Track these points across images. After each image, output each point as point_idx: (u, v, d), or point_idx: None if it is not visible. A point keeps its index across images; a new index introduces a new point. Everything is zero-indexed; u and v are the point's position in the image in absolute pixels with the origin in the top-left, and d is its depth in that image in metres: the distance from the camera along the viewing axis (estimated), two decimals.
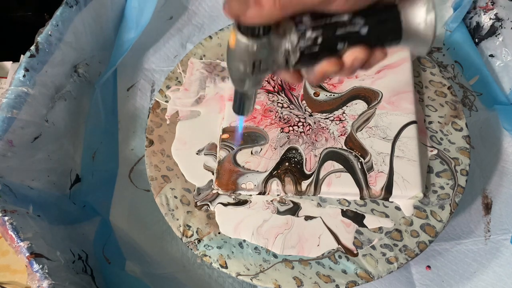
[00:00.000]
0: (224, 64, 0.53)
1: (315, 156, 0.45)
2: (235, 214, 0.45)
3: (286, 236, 0.43)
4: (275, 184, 0.44)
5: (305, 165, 0.44)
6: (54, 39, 0.49)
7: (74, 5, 0.52)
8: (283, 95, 0.48)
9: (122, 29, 0.59)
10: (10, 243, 0.41)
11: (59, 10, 0.50)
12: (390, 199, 0.44)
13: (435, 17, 0.29)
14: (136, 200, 0.54)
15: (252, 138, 0.46)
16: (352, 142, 0.45)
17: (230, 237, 0.44)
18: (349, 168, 0.44)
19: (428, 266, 0.49)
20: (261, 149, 0.45)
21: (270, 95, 0.48)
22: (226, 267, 0.43)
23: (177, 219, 0.45)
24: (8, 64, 0.59)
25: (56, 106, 0.51)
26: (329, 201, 0.44)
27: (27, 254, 0.40)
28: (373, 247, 0.42)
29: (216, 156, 0.47)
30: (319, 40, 0.28)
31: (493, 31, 0.56)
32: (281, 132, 0.46)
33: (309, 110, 0.47)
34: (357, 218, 0.44)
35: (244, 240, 0.44)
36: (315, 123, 0.46)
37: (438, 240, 0.49)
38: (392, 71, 0.48)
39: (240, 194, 0.45)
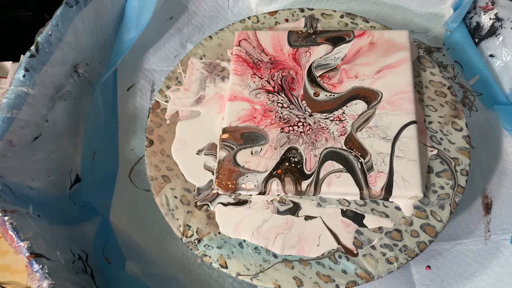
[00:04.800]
0: (224, 64, 0.53)
1: (315, 156, 0.45)
2: (235, 214, 0.45)
3: (286, 236, 0.43)
4: (275, 184, 0.44)
5: (305, 165, 0.44)
6: (54, 39, 0.49)
7: (74, 5, 0.52)
8: (283, 95, 0.48)
9: (122, 29, 0.59)
10: (10, 243, 0.41)
11: (59, 10, 0.50)
12: (390, 199, 0.44)
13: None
14: (136, 200, 0.54)
15: (252, 138, 0.46)
16: (352, 142, 0.45)
17: (230, 237, 0.44)
18: (349, 168, 0.44)
19: (428, 266, 0.49)
20: (261, 149, 0.45)
21: (270, 95, 0.48)
22: (226, 267, 0.43)
23: (177, 219, 0.45)
24: (8, 64, 0.59)
25: (56, 106, 0.51)
26: (329, 201, 0.45)
27: (27, 254, 0.40)
28: (373, 247, 0.42)
29: (216, 156, 0.47)
30: None
31: (493, 31, 0.56)
32: (281, 132, 0.46)
33: (309, 110, 0.47)
34: (357, 218, 0.44)
35: (244, 240, 0.44)
36: (315, 123, 0.46)
37: (438, 240, 0.49)
38: (392, 71, 0.48)
39: (240, 194, 0.45)
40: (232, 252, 0.43)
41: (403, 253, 0.42)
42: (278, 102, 0.48)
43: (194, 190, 0.46)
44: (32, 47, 0.48)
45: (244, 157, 0.45)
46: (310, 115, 0.47)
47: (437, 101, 0.49)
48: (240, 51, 0.51)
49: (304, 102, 0.48)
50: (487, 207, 0.51)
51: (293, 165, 0.44)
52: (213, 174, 0.47)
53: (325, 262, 0.42)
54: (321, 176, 0.44)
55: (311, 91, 0.48)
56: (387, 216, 0.44)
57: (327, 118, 0.47)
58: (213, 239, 0.44)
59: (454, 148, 0.46)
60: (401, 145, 0.44)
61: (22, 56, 0.52)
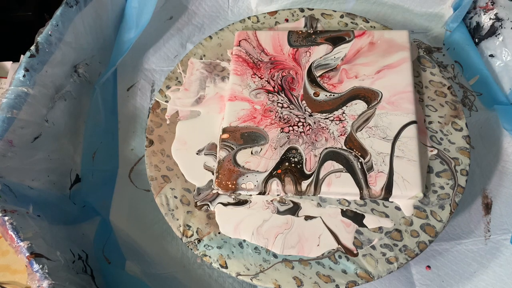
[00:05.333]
0: (224, 64, 0.53)
1: (315, 156, 0.45)
2: (235, 214, 0.45)
3: (286, 236, 0.43)
4: (275, 184, 0.44)
5: (305, 165, 0.44)
6: (54, 39, 0.49)
7: (74, 5, 0.52)
8: (283, 95, 0.48)
9: (122, 29, 0.59)
10: (10, 243, 0.41)
11: (59, 10, 0.50)
12: (390, 199, 0.44)
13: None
14: (136, 200, 0.54)
15: (252, 138, 0.46)
16: (352, 142, 0.45)
17: (230, 237, 0.44)
18: (349, 168, 0.44)
19: (428, 266, 0.49)
20: (261, 149, 0.45)
21: (270, 95, 0.48)
22: (226, 267, 0.43)
23: (177, 219, 0.45)
24: (8, 64, 0.59)
25: (56, 106, 0.51)
26: (329, 201, 0.45)
27: (27, 254, 0.40)
28: (373, 247, 0.42)
29: (216, 156, 0.47)
30: None
31: (493, 31, 0.56)
32: (281, 132, 0.46)
33: (309, 110, 0.47)
34: (357, 218, 0.44)
35: (244, 240, 0.44)
36: (315, 123, 0.46)
37: (438, 240, 0.49)
38: (392, 71, 0.48)
39: (240, 194, 0.45)
40: (232, 252, 0.43)
41: (403, 253, 0.42)
42: (278, 102, 0.48)
43: (194, 190, 0.46)
44: (32, 47, 0.48)
45: (244, 157, 0.45)
46: (310, 115, 0.47)
47: (437, 101, 0.49)
48: (240, 51, 0.51)
49: (304, 102, 0.48)
50: (487, 207, 0.51)
51: (293, 165, 0.44)
52: (213, 174, 0.47)
53: (325, 262, 0.42)
54: (321, 176, 0.44)
55: (311, 91, 0.48)
56: (387, 216, 0.44)
57: (327, 118, 0.47)
58: (213, 239, 0.44)
59: (454, 148, 0.46)
60: (401, 145, 0.44)
61: (22, 56, 0.52)
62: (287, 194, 0.45)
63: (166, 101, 0.51)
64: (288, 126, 0.46)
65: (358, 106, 0.47)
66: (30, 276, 0.39)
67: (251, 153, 0.45)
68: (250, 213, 0.44)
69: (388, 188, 0.43)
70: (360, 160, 0.44)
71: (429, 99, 0.49)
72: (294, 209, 0.44)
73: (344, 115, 0.47)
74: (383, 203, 0.44)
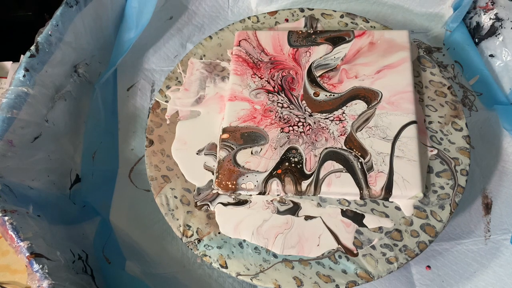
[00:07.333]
0: (224, 64, 0.53)
1: (315, 156, 0.45)
2: (235, 214, 0.45)
3: (286, 236, 0.43)
4: (275, 184, 0.44)
5: (305, 165, 0.44)
6: (54, 39, 0.49)
7: (74, 5, 0.52)
8: (283, 95, 0.48)
9: (122, 29, 0.59)
10: (10, 243, 0.41)
11: (59, 10, 0.51)
12: (390, 199, 0.44)
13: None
14: (136, 200, 0.54)
15: (252, 138, 0.46)
16: (352, 142, 0.45)
17: (230, 237, 0.44)
18: (349, 168, 0.44)
19: (428, 266, 0.49)
20: (261, 149, 0.45)
21: (270, 95, 0.48)
22: (226, 267, 0.43)
23: (177, 219, 0.45)
24: (8, 64, 0.59)
25: (56, 106, 0.51)
26: (329, 201, 0.45)
27: (27, 254, 0.40)
28: (373, 247, 0.42)
29: (216, 156, 0.47)
30: None
31: (493, 31, 0.56)
32: (281, 132, 0.46)
33: (309, 110, 0.47)
34: (357, 218, 0.44)
35: (244, 240, 0.44)
36: (315, 123, 0.46)
37: (438, 240, 0.49)
38: (392, 71, 0.48)
39: (240, 194, 0.45)
40: (232, 252, 0.43)
41: (403, 253, 0.42)
42: (278, 102, 0.48)
43: (194, 190, 0.47)
44: (32, 47, 0.48)
45: (244, 157, 0.45)
46: (310, 115, 0.47)
47: (437, 101, 0.49)
48: (240, 51, 0.51)
49: (304, 102, 0.48)
50: (487, 207, 0.51)
51: (293, 165, 0.44)
52: (213, 174, 0.47)
53: (325, 262, 0.42)
54: (321, 176, 0.44)
55: (311, 91, 0.48)
56: (387, 216, 0.44)
57: (327, 118, 0.47)
58: (213, 239, 0.44)
59: (454, 148, 0.46)
60: (401, 145, 0.44)
61: (22, 56, 0.52)
62: (287, 194, 0.45)
63: (166, 101, 0.51)
64: (288, 126, 0.46)
65: (358, 106, 0.47)
66: (30, 276, 0.39)
67: (251, 153, 0.45)
68: (250, 213, 0.44)
69: (388, 188, 0.43)
70: (360, 160, 0.44)
71: (429, 99, 0.49)
72: (294, 209, 0.44)
73: (344, 115, 0.47)
74: (383, 203, 0.44)
